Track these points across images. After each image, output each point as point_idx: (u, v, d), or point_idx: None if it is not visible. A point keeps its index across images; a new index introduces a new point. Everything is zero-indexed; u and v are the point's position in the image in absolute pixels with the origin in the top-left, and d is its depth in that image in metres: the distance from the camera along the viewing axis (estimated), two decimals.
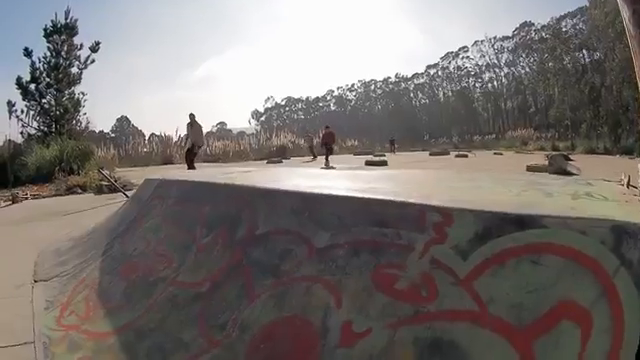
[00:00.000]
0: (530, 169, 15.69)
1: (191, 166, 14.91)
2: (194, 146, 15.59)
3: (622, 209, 2.05)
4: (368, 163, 21.62)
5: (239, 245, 2.86)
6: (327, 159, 22.39)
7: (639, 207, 2.10)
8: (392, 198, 2.40)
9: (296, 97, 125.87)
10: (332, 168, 14.48)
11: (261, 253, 2.68)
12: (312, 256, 2.41)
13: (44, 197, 12.33)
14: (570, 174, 14.05)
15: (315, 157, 31.35)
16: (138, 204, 4.72)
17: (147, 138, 49.89)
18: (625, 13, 2.40)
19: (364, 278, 2.12)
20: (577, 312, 1.62)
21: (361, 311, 2.02)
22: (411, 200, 2.32)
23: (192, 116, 14.69)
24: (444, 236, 2.01)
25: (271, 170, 5.22)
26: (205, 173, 5.41)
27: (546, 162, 16.34)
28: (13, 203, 11.21)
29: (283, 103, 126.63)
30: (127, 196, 9.84)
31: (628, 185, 2.81)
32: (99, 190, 12.35)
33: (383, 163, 21.43)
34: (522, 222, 1.85)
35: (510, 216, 1.90)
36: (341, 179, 3.77)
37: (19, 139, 20.44)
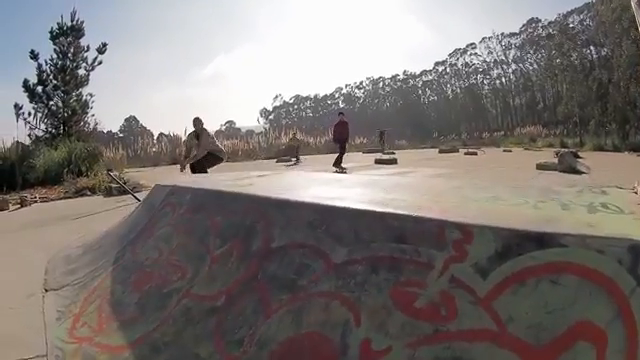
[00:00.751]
0: (540, 167, 15.81)
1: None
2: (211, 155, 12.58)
3: (638, 224, 2.03)
4: (378, 162, 21.55)
5: (254, 258, 2.83)
6: (339, 162, 18.33)
7: None
8: (410, 213, 2.37)
9: (304, 95, 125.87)
10: (344, 171, 13.71)
11: (277, 267, 2.65)
12: (330, 272, 2.39)
13: (53, 200, 12.35)
14: (579, 172, 14.11)
15: (298, 161, 27.08)
16: (149, 211, 4.70)
17: (156, 138, 50.01)
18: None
19: (383, 295, 2.11)
20: (593, 332, 1.62)
21: (380, 329, 2.00)
22: (430, 215, 2.30)
23: (200, 122, 11.09)
24: (464, 254, 2.00)
25: (286, 176, 5.17)
26: (218, 179, 5.36)
27: (555, 160, 16.32)
28: (22, 206, 11.23)
29: (291, 101, 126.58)
30: (137, 199, 9.88)
31: None
32: (108, 192, 12.37)
33: (393, 162, 21.38)
34: (542, 240, 1.85)
35: (531, 234, 1.89)
36: (358, 187, 3.72)
37: (27, 141, 20.47)
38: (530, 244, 1.86)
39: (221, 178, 5.50)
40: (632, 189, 3.01)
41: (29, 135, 20.90)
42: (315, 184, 4.08)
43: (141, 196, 10.88)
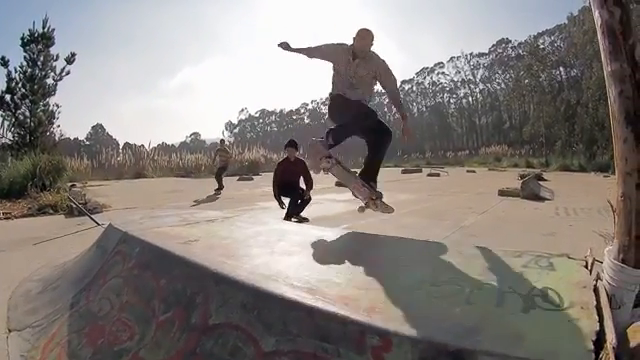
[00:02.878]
0: (502, 193, 16.07)
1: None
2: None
3: (571, 327, 2.10)
4: (338, 184, 21.31)
5: (194, 331, 2.89)
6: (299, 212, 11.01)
7: (590, 319, 2.14)
8: (337, 310, 2.43)
9: (270, 109, 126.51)
10: (304, 220, 10.66)
11: (213, 345, 2.72)
12: (259, 359, 2.46)
13: (16, 217, 12.23)
14: (543, 199, 14.37)
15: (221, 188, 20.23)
16: (102, 255, 4.74)
17: (121, 147, 49.83)
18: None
19: None
20: None
21: None
22: (354, 316, 2.35)
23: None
24: None
25: (233, 228, 5.21)
26: (169, 225, 5.40)
27: (519, 185, 16.53)
28: None
29: (257, 115, 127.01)
30: (96, 222, 9.92)
31: (591, 269, 2.88)
32: (70, 211, 12.36)
33: None
34: (458, 357, 1.92)
35: (448, 348, 1.96)
36: (299, 255, 3.78)
37: None
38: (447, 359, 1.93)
39: (173, 221, 5.55)
40: (583, 258, 3.07)
41: None
42: (258, 245, 4.13)
43: (100, 218, 10.91)
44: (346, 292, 2.72)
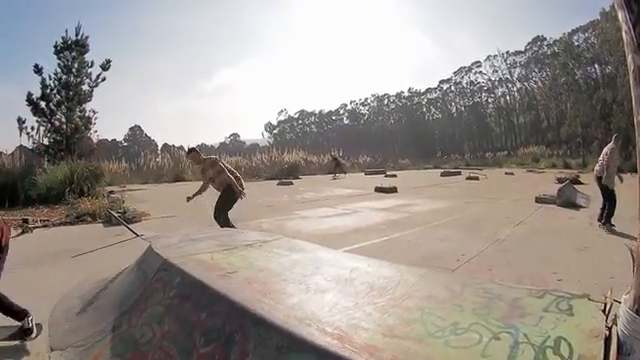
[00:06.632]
0: (539, 200, 16.10)
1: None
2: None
3: None
4: (378, 190, 21.64)
5: None
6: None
7: None
8: None
9: (309, 110, 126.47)
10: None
11: None
12: None
13: (54, 225, 12.48)
14: (578, 207, 14.33)
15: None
16: (143, 280, 4.86)
17: (160, 148, 50.27)
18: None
19: None
20: None
21: None
22: None
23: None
24: None
25: (275, 252, 5.29)
26: (208, 247, 5.52)
27: (556, 186, 16.88)
28: (23, 232, 11.39)
29: (296, 116, 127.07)
30: (135, 233, 10.08)
31: (608, 313, 2.91)
32: (108, 220, 12.62)
33: (393, 190, 21.47)
34: None
35: None
36: (333, 291, 3.87)
37: (30, 155, 20.61)
38: None
39: (211, 245, 5.65)
40: (603, 300, 3.09)
41: (32, 150, 21.04)
42: (294, 279, 4.20)
43: (138, 228, 11.06)
44: (373, 341, 2.78)
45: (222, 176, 9.79)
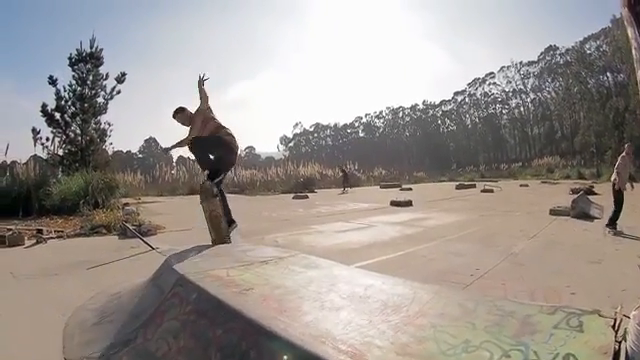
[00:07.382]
0: (553, 212, 16.22)
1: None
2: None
3: None
4: (393, 203, 21.85)
5: None
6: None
7: None
8: None
9: (324, 124, 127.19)
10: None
11: None
12: None
13: (69, 236, 12.56)
14: (592, 218, 14.35)
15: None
16: (159, 294, 4.89)
17: (175, 160, 50.54)
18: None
19: None
20: None
21: None
22: None
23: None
24: None
25: (290, 269, 5.33)
26: (223, 263, 5.56)
27: (571, 198, 17.30)
28: (37, 242, 11.45)
29: (311, 129, 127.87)
30: (150, 247, 10.12)
31: (618, 328, 2.92)
32: (123, 231, 12.65)
33: (408, 204, 21.66)
34: None
35: None
36: (347, 310, 3.91)
37: (44, 165, 20.80)
38: None
39: (227, 261, 5.68)
40: (614, 315, 3.09)
41: (46, 161, 21.13)
42: (309, 297, 4.23)
43: (153, 240, 11.11)
44: (386, 359, 2.82)
45: (215, 123, 8.39)
